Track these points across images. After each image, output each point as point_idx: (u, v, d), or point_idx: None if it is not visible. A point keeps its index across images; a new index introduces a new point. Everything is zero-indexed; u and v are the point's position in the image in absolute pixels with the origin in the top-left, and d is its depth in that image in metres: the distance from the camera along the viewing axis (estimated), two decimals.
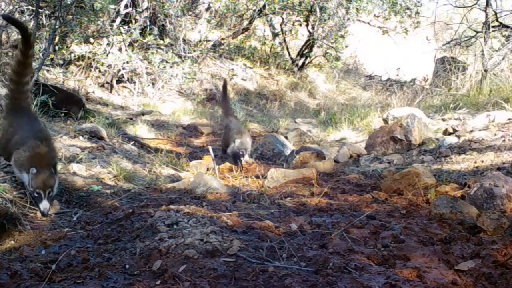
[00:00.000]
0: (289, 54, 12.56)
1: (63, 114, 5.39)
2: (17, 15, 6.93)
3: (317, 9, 10.89)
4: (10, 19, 3.84)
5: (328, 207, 3.12)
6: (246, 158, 4.75)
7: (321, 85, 12.89)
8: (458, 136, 4.65)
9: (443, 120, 5.73)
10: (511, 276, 2.00)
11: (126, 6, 8.53)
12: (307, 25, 11.74)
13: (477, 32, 8.33)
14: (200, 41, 10.09)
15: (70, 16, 7.05)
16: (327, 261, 2.14)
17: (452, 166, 3.89)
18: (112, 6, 7.93)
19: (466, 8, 8.95)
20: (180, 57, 9.16)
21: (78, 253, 2.25)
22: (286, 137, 6.03)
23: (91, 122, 5.34)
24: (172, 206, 2.78)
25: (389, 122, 5.54)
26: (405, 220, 2.80)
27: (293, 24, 11.68)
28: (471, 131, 4.73)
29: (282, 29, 11.94)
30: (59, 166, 3.52)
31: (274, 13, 11.16)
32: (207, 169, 4.46)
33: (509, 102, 5.51)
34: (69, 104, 5.57)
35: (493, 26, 8.02)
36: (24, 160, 2.77)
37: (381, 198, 3.32)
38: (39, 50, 6.88)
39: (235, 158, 4.73)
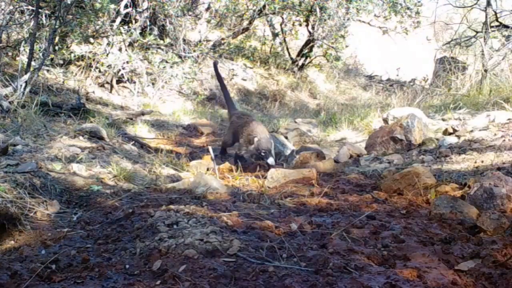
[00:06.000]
0: (289, 54, 12.54)
1: None
2: (17, 15, 6.93)
3: (317, 9, 10.87)
4: None
5: (328, 207, 3.11)
6: (271, 160, 4.32)
7: (321, 85, 12.87)
8: (458, 136, 4.65)
9: (443, 120, 5.73)
10: (511, 276, 2.00)
11: (126, 6, 8.52)
12: (307, 25, 11.73)
13: (477, 32, 8.32)
14: (200, 41, 10.09)
15: (70, 16, 7.05)
16: (327, 261, 2.14)
17: (452, 166, 3.89)
18: (112, 6, 7.93)
19: (466, 8, 8.92)
20: (180, 57, 9.15)
21: (78, 253, 2.25)
22: (286, 137, 6.02)
23: (91, 122, 5.34)
24: (172, 206, 2.77)
25: (389, 122, 5.53)
26: (405, 220, 2.80)
27: (293, 24, 11.65)
28: (471, 131, 4.72)
29: (282, 29, 11.91)
30: (59, 166, 3.53)
31: (274, 13, 11.13)
32: (207, 169, 4.45)
33: (509, 102, 5.50)
34: None
35: (493, 26, 8.00)
36: None
37: (381, 198, 3.32)
38: (39, 50, 6.87)
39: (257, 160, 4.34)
